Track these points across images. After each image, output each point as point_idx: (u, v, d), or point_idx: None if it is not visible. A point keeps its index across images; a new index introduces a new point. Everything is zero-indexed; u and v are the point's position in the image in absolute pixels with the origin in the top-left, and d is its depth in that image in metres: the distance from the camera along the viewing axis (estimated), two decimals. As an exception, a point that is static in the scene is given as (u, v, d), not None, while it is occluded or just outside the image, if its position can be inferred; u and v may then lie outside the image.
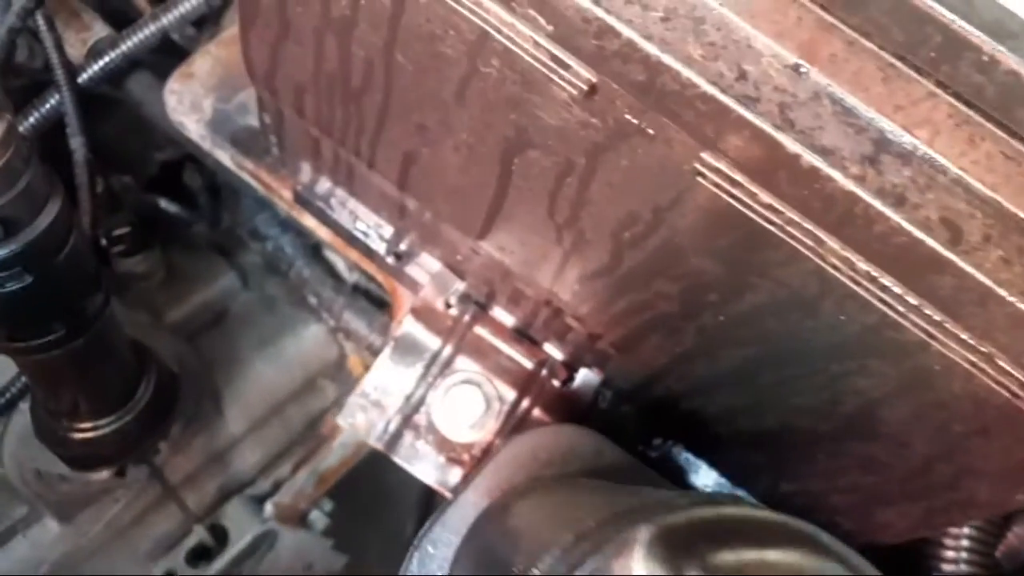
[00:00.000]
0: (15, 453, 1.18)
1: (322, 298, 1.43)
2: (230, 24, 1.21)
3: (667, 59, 0.56)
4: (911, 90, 0.55)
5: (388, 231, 1.12)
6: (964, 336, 0.59)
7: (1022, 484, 0.67)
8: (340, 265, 1.43)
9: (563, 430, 0.87)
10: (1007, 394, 0.60)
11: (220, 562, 1.38)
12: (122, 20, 1.18)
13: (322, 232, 1.17)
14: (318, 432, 1.51)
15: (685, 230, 0.68)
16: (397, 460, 1.05)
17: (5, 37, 1.07)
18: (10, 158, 0.70)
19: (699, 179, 0.62)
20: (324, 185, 1.12)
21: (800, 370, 0.74)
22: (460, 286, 1.08)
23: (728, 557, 0.41)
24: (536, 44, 0.61)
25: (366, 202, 1.11)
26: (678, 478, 1.05)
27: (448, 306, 1.08)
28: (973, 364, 0.61)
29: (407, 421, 1.05)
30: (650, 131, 0.62)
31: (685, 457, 1.06)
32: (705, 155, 0.60)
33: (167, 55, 1.22)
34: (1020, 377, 0.59)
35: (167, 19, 1.11)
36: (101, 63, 1.12)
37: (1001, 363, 0.59)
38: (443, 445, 1.05)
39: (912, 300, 0.59)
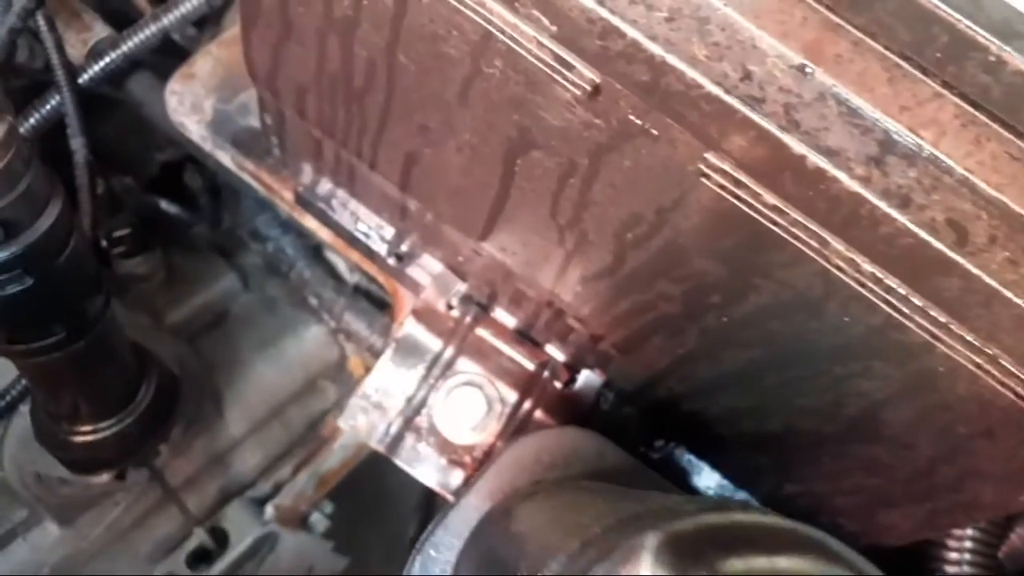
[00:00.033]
0: (15, 456, 1.18)
1: (323, 299, 1.43)
2: (231, 24, 1.21)
3: (671, 59, 0.56)
4: (917, 90, 0.55)
5: (389, 232, 1.12)
6: (969, 338, 0.59)
7: (1027, 486, 0.67)
8: (341, 266, 1.43)
9: (565, 432, 0.87)
10: (1012, 396, 0.60)
11: (221, 564, 1.37)
12: (123, 20, 1.18)
13: (323, 233, 1.17)
14: (319, 434, 1.50)
15: (688, 231, 0.68)
16: (398, 462, 1.05)
17: (6, 38, 1.06)
18: (11, 160, 0.69)
19: (703, 180, 0.62)
20: (325, 186, 1.12)
21: (804, 372, 0.74)
22: (462, 287, 1.08)
23: (737, 564, 0.41)
24: (540, 44, 0.61)
25: (367, 203, 1.10)
26: (681, 480, 1.04)
27: (450, 307, 1.08)
28: (978, 366, 0.60)
29: (408, 423, 1.05)
30: (654, 132, 0.61)
31: (687, 459, 1.05)
32: (709, 156, 0.60)
33: (168, 55, 1.22)
34: (1026, 378, 0.59)
35: (168, 19, 1.11)
36: (102, 64, 1.12)
37: (1006, 364, 0.59)
38: (444, 447, 1.04)
39: (917, 301, 0.59)
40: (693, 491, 1.04)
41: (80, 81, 1.11)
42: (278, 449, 1.46)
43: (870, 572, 0.48)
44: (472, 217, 0.88)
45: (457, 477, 1.04)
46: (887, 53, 0.55)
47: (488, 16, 0.62)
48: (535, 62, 0.62)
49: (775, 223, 0.61)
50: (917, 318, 0.60)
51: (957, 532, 0.95)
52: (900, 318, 0.61)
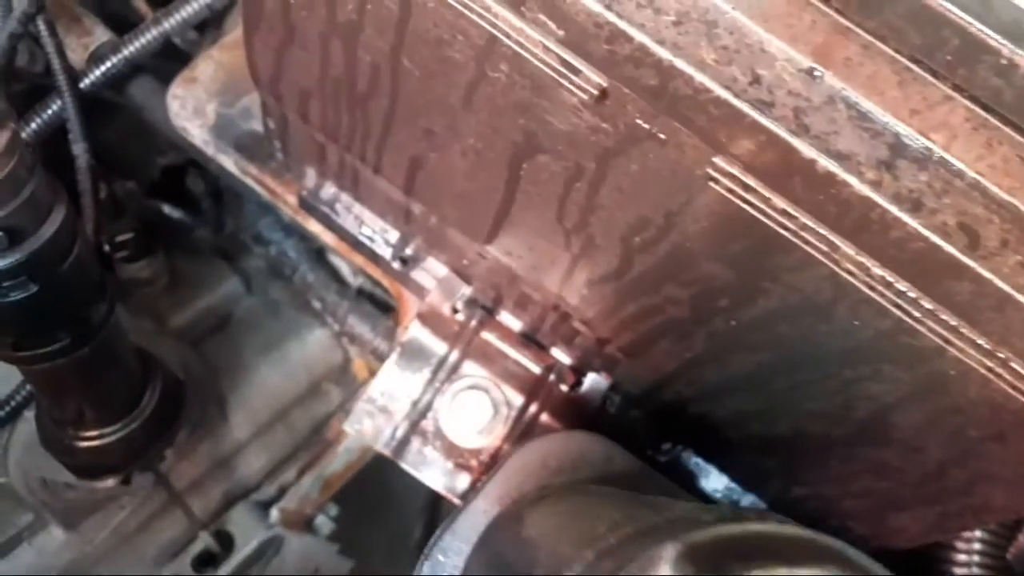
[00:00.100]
0: (20, 461, 1.17)
1: (326, 302, 1.43)
2: (233, 28, 1.20)
3: (679, 63, 0.56)
4: (927, 94, 0.54)
5: (394, 236, 1.12)
6: (981, 341, 0.59)
7: (1038, 489, 0.67)
8: (344, 269, 1.42)
9: (573, 436, 0.87)
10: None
11: (226, 568, 1.37)
12: (124, 25, 1.17)
13: (327, 237, 1.17)
14: (323, 437, 1.50)
15: (696, 235, 0.68)
16: (405, 466, 1.04)
17: (6, 43, 1.06)
18: (14, 167, 0.69)
19: (711, 184, 0.61)
20: (329, 190, 1.12)
21: (813, 375, 0.74)
22: (467, 291, 1.08)
23: (757, 575, 0.40)
24: (546, 49, 0.61)
25: (371, 207, 1.10)
26: (688, 483, 1.04)
27: (455, 311, 1.08)
28: (990, 369, 0.60)
29: (414, 427, 1.05)
30: (661, 136, 0.61)
31: (695, 462, 1.05)
32: (718, 160, 0.59)
33: (169, 60, 1.21)
34: (1037, 382, 0.58)
35: (169, 23, 1.11)
36: (103, 68, 1.12)
37: (1018, 368, 0.59)
38: (451, 451, 1.04)
39: (928, 305, 0.59)
40: (701, 494, 1.03)
41: (81, 86, 1.11)
42: (282, 452, 1.46)
43: None
44: (477, 221, 0.88)
45: (463, 481, 1.03)
46: (897, 56, 0.54)
47: (493, 20, 0.62)
48: (541, 66, 0.62)
49: (784, 227, 0.60)
50: (928, 322, 0.60)
51: (966, 534, 0.94)
52: (911, 322, 0.60)
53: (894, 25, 0.53)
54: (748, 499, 1.03)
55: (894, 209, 0.55)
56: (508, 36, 0.62)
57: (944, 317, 0.59)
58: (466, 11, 0.62)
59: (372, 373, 1.46)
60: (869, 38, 0.54)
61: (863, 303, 0.61)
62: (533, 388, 1.05)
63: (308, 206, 1.14)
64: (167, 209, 1.36)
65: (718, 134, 0.58)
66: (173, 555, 1.34)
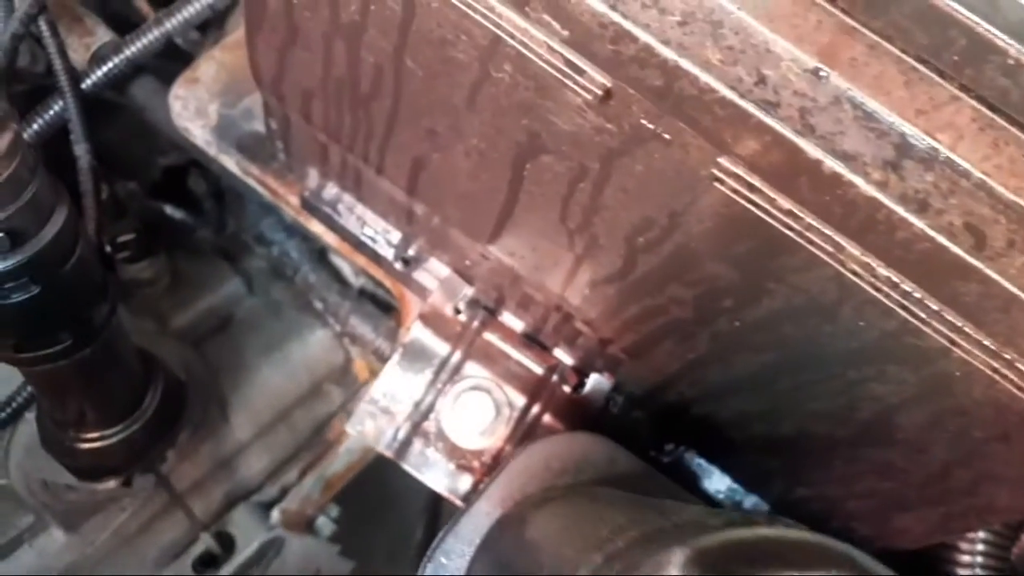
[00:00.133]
0: (21, 463, 1.17)
1: (328, 303, 1.42)
2: (235, 28, 1.20)
3: (685, 64, 0.56)
4: (934, 94, 0.54)
5: (396, 236, 1.11)
6: (987, 342, 0.59)
7: (1043, 490, 0.67)
8: (346, 269, 1.42)
9: (576, 438, 0.87)
10: (1030, 400, 0.60)
11: (227, 569, 1.37)
12: (125, 25, 1.17)
13: (329, 238, 1.16)
14: (324, 437, 1.50)
15: (701, 235, 0.68)
16: (407, 468, 1.04)
17: (8, 43, 1.06)
18: (16, 168, 0.69)
19: (716, 184, 0.61)
20: (331, 191, 1.12)
21: (817, 376, 0.73)
22: (469, 291, 1.08)
23: (765, 580, 0.40)
24: (550, 49, 0.61)
25: (374, 207, 1.10)
26: (691, 484, 1.04)
27: (457, 312, 1.07)
28: (995, 370, 0.60)
29: (416, 428, 1.04)
30: (666, 136, 0.61)
31: (698, 462, 1.05)
32: (723, 160, 0.59)
33: (171, 60, 1.21)
34: (1044, 383, 0.58)
35: (171, 24, 1.10)
36: (105, 68, 1.11)
37: (1024, 369, 0.59)
38: (453, 452, 1.04)
39: (934, 306, 0.59)
40: (703, 495, 1.03)
41: (83, 86, 1.10)
42: (284, 453, 1.46)
43: None
44: (480, 221, 0.88)
45: (466, 482, 1.03)
46: (903, 56, 0.54)
47: (497, 21, 0.61)
48: (545, 67, 0.62)
49: (789, 228, 0.60)
50: (933, 322, 0.59)
51: (969, 534, 0.94)
52: (916, 322, 0.60)
53: (900, 25, 0.53)
54: (751, 500, 1.03)
55: (900, 210, 0.55)
56: (512, 36, 0.62)
57: (950, 318, 0.59)
58: (470, 11, 0.62)
59: (373, 374, 1.46)
60: (875, 38, 0.54)
61: (868, 304, 0.61)
62: (535, 389, 1.05)
63: (310, 207, 1.14)
64: (169, 210, 1.35)
65: (723, 134, 0.58)
66: (174, 556, 1.34)
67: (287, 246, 1.39)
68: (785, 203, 0.59)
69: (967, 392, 0.63)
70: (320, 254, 1.41)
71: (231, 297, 1.43)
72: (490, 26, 0.62)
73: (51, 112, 1.09)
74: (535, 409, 1.04)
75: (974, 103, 0.54)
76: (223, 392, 1.38)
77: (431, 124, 0.78)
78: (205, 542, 1.35)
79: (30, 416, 1.13)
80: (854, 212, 0.56)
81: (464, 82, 0.69)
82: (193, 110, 1.16)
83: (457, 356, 1.05)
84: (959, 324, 0.59)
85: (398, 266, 1.13)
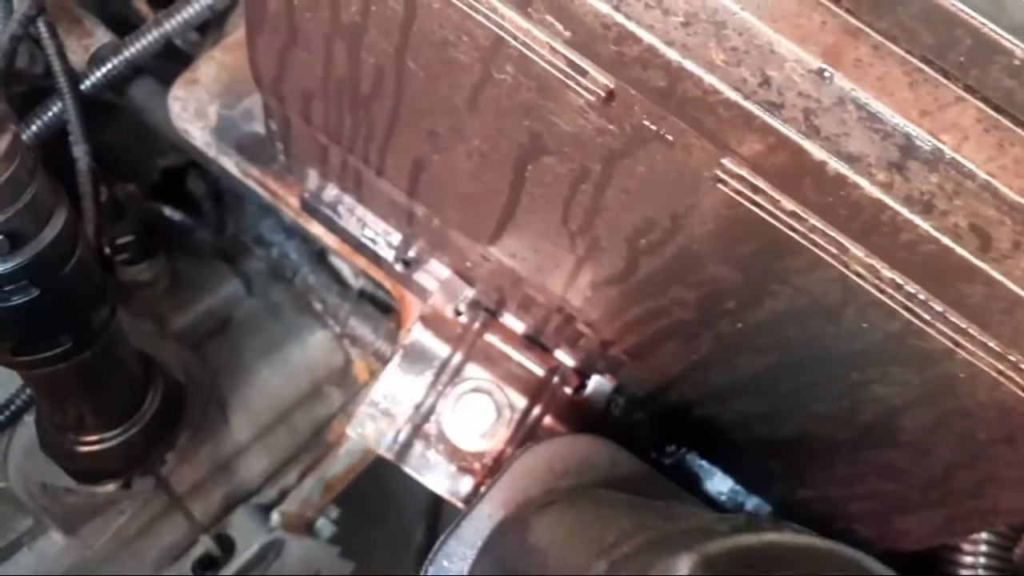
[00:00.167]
0: (20, 466, 1.17)
1: (327, 304, 1.42)
2: (234, 29, 1.20)
3: (688, 65, 0.55)
4: (939, 95, 0.54)
5: (396, 238, 1.11)
6: (991, 344, 0.58)
7: (1048, 492, 0.66)
8: (346, 271, 1.42)
9: (578, 440, 0.86)
10: (1035, 402, 0.59)
11: (227, 571, 1.36)
12: (124, 26, 1.17)
13: (329, 239, 1.16)
14: (324, 439, 1.49)
15: (704, 237, 0.67)
16: (407, 470, 1.04)
17: (7, 44, 1.05)
18: (15, 170, 0.68)
19: (719, 186, 0.61)
20: (331, 192, 1.11)
21: (820, 378, 0.73)
22: (470, 293, 1.07)
23: (774, 586, 0.40)
24: (552, 50, 0.60)
25: (374, 209, 1.09)
26: (693, 485, 1.03)
27: (458, 313, 1.07)
28: (1000, 372, 0.60)
29: (417, 430, 1.04)
30: (669, 137, 0.61)
31: (700, 464, 1.04)
32: (726, 161, 0.59)
33: (170, 61, 1.21)
34: (1049, 385, 0.58)
35: (170, 25, 1.10)
36: (104, 70, 1.11)
37: (1029, 371, 0.58)
38: (454, 454, 1.04)
39: (938, 307, 0.58)
40: (705, 496, 1.03)
41: (82, 88, 1.10)
42: (284, 455, 1.45)
43: None
44: (481, 223, 0.87)
45: (467, 484, 1.03)
46: (908, 57, 0.54)
47: (500, 22, 0.61)
48: (548, 68, 0.62)
49: (793, 229, 0.60)
50: (938, 324, 0.59)
51: (972, 535, 0.94)
52: (920, 324, 0.60)
53: (906, 25, 0.53)
54: (753, 501, 1.02)
55: (905, 211, 0.54)
56: (514, 37, 0.61)
57: (954, 319, 0.58)
58: (472, 12, 0.62)
59: (373, 375, 1.46)
60: (880, 39, 0.54)
61: (872, 305, 0.61)
62: (536, 391, 1.05)
63: (310, 208, 1.14)
64: (168, 211, 1.35)
65: (727, 136, 0.57)
66: (174, 559, 1.34)
67: (287, 247, 1.38)
68: (789, 204, 0.59)
69: (971, 394, 0.63)
70: (320, 255, 1.41)
71: (230, 299, 1.42)
72: (492, 27, 0.62)
73: (50, 113, 1.09)
74: (536, 411, 1.04)
75: (979, 104, 0.54)
76: (222, 394, 1.38)
77: (432, 125, 0.78)
78: (205, 544, 1.35)
79: (29, 419, 1.13)
80: (858, 213, 0.56)
81: (466, 83, 0.69)
82: (192, 111, 1.16)
83: (458, 358, 1.05)
84: (963, 326, 0.58)
85: (398, 268, 1.12)
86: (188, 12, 1.10)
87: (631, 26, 0.55)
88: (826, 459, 0.83)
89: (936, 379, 0.64)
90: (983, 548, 0.94)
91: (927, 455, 0.72)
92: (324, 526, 1.52)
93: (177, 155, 1.33)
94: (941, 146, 0.53)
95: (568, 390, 1.05)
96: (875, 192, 0.54)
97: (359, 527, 1.59)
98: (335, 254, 1.25)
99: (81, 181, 1.08)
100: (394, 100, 0.78)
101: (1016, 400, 0.60)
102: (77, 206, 1.07)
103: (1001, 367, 0.59)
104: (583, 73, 0.60)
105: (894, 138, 0.54)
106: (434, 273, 1.10)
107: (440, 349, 1.06)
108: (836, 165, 0.54)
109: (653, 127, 0.61)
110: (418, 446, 1.04)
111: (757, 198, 0.59)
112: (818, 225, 0.58)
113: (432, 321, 1.06)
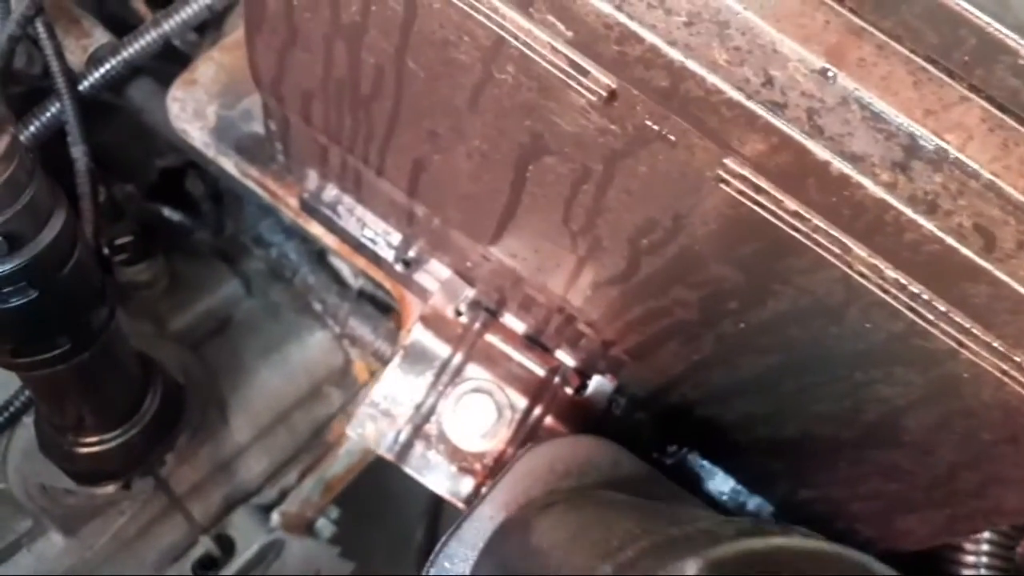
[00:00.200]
0: (19, 467, 1.16)
1: (327, 304, 1.42)
2: (233, 29, 1.20)
3: (691, 65, 0.55)
4: (943, 94, 0.54)
5: (396, 238, 1.11)
6: (996, 344, 0.58)
7: (1052, 492, 0.66)
8: (345, 271, 1.41)
9: (580, 441, 0.86)
10: (1039, 402, 0.59)
11: (227, 571, 1.36)
12: (123, 26, 1.16)
13: (329, 240, 1.16)
14: (324, 439, 1.49)
15: (706, 237, 0.67)
16: (408, 470, 1.04)
17: (5, 45, 1.05)
18: (13, 171, 0.68)
19: (722, 186, 0.60)
20: (331, 192, 1.11)
21: (822, 378, 0.73)
22: (470, 293, 1.07)
23: (782, 591, 0.40)
24: (554, 50, 0.60)
25: (374, 209, 1.09)
26: (694, 485, 1.03)
27: (458, 313, 1.07)
28: (1004, 372, 0.59)
29: (417, 431, 1.04)
30: (671, 137, 0.60)
31: (701, 464, 1.04)
32: (728, 161, 0.59)
33: (169, 61, 1.20)
34: (1053, 386, 0.58)
35: (168, 25, 1.10)
36: (102, 70, 1.11)
37: (1033, 371, 0.58)
38: (454, 455, 1.03)
39: (942, 307, 0.58)
40: (707, 496, 1.03)
41: (80, 88, 1.10)
42: (283, 455, 1.45)
43: None
44: (481, 223, 0.87)
45: (467, 485, 1.03)
46: (912, 56, 0.54)
47: (501, 22, 0.61)
48: (549, 68, 0.61)
49: (796, 229, 0.60)
50: (942, 324, 0.59)
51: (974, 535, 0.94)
52: (924, 324, 0.60)
53: (910, 25, 0.52)
54: (754, 501, 1.02)
55: (909, 211, 0.54)
56: (516, 37, 0.61)
57: (958, 320, 0.58)
58: (473, 12, 0.62)
59: (373, 375, 1.45)
60: (884, 38, 0.54)
61: (875, 305, 0.61)
62: (537, 391, 1.04)
63: (310, 208, 1.13)
64: (167, 212, 1.35)
65: (730, 136, 0.57)
66: (174, 560, 1.34)
67: (286, 248, 1.38)
68: (792, 204, 0.58)
69: (975, 394, 0.62)
70: (319, 255, 1.40)
71: (230, 299, 1.42)
72: (493, 27, 0.62)
73: (48, 114, 1.09)
74: (537, 411, 1.04)
75: (984, 103, 0.53)
76: (222, 394, 1.37)
77: (432, 125, 0.77)
78: (205, 545, 1.34)
79: (28, 420, 1.13)
80: (862, 213, 0.56)
81: (466, 83, 0.69)
82: (191, 112, 1.15)
83: (458, 358, 1.05)
84: (967, 326, 0.58)
85: (399, 268, 1.12)
86: (186, 12, 1.09)
87: (633, 26, 0.55)
88: (829, 459, 0.83)
89: (940, 379, 0.64)
90: (985, 548, 0.94)
91: (930, 455, 0.72)
92: (324, 526, 1.52)
93: (176, 155, 1.32)
94: (945, 146, 0.53)
95: (569, 390, 1.05)
96: (879, 192, 0.54)
97: (359, 527, 1.59)
98: (335, 254, 1.25)
99: (79, 182, 1.08)
100: (394, 100, 0.77)
101: (1020, 400, 0.60)
102: (75, 207, 1.07)
103: (1005, 367, 0.59)
104: (585, 73, 0.60)
105: (898, 138, 0.54)
106: (434, 273, 1.10)
107: (440, 349, 1.05)
108: (840, 165, 0.54)
109: (655, 127, 0.60)
110: (419, 446, 1.04)
111: (760, 198, 0.59)
112: (821, 225, 0.58)
113: (432, 321, 1.06)
